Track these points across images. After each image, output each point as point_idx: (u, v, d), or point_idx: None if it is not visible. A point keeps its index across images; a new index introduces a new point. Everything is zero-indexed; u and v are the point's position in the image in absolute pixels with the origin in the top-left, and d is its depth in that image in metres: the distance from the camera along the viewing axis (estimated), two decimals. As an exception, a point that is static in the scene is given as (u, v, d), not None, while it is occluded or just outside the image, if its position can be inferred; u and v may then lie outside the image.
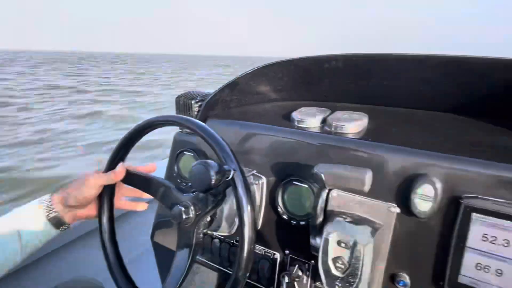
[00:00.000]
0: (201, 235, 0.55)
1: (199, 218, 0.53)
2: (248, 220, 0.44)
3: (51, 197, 0.60)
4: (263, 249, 0.67)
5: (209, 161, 0.45)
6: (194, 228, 0.53)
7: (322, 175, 0.51)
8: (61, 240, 0.99)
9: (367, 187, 0.49)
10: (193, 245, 0.53)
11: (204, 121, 0.79)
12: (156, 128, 0.58)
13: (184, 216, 0.50)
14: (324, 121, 0.68)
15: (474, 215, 0.47)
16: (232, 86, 0.77)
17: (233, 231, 0.63)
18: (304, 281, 0.62)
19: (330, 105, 0.76)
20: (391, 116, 0.72)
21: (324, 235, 0.50)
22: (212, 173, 0.43)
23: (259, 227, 0.67)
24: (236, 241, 0.70)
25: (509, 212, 0.44)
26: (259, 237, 0.68)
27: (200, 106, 0.79)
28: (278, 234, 0.66)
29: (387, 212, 0.53)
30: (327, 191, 0.53)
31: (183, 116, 0.55)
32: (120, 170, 0.60)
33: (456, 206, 0.48)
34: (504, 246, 0.45)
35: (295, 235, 0.62)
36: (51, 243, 0.91)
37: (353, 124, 0.63)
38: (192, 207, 0.52)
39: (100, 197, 0.63)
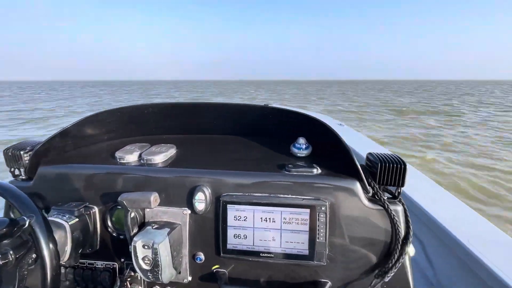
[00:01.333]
0: (26, 272, 0.64)
1: (20, 258, 0.62)
2: (48, 253, 0.58)
3: None
4: (104, 263, 0.82)
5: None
6: (16, 269, 0.62)
7: (124, 202, 0.70)
8: None
9: (153, 205, 0.70)
10: (17, 283, 0.62)
11: (35, 169, 0.85)
12: None
13: (1, 262, 0.59)
14: (140, 155, 0.88)
15: (228, 206, 0.76)
16: (63, 134, 0.86)
17: (65, 258, 0.74)
18: (138, 277, 0.81)
19: (152, 138, 1.00)
20: (192, 142, 1.01)
21: (132, 243, 0.69)
22: None
23: (97, 247, 0.81)
24: (80, 264, 0.82)
25: (242, 200, 0.75)
26: (99, 254, 0.82)
27: (29, 156, 0.84)
28: (114, 248, 0.82)
29: (182, 215, 0.78)
30: (130, 212, 0.72)
31: None
32: None
33: (218, 202, 0.76)
34: (244, 220, 0.76)
35: (126, 246, 0.80)
36: None
37: (161, 156, 0.86)
38: (11, 251, 0.61)
39: None
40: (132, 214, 0.72)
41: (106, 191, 0.81)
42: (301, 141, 0.88)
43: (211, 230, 0.78)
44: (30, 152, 0.85)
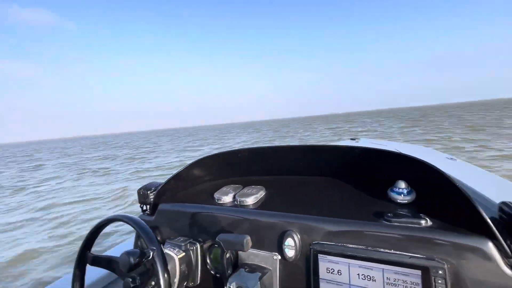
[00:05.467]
0: None
1: (144, 284, 0.75)
2: (163, 283, 0.67)
3: None
4: None
5: (132, 250, 0.69)
6: None
7: (221, 242, 0.76)
8: None
9: (246, 248, 0.73)
10: None
11: (156, 206, 1.05)
12: (108, 224, 0.83)
13: (131, 285, 0.72)
14: (234, 197, 0.96)
15: (320, 256, 0.71)
16: (176, 177, 1.04)
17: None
18: None
19: (244, 180, 1.06)
20: (280, 184, 1.02)
21: (228, 284, 0.72)
22: (131, 259, 0.67)
23: (198, 283, 0.89)
24: None
25: (334, 251, 0.69)
26: None
27: (154, 195, 1.05)
28: (212, 285, 0.88)
29: (272, 260, 0.77)
30: (226, 252, 0.77)
31: (122, 214, 0.80)
32: None
33: (309, 250, 0.73)
34: (338, 274, 0.69)
35: (222, 285, 0.84)
36: None
37: (252, 197, 0.91)
38: (138, 278, 0.74)
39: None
40: (228, 255, 0.78)
41: (206, 229, 0.91)
42: (402, 185, 0.77)
43: (303, 280, 0.74)
44: (154, 192, 1.06)
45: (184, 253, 0.87)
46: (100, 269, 0.87)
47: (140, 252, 0.69)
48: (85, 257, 0.83)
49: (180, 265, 0.84)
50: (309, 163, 0.99)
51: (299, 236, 0.75)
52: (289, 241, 0.74)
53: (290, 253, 0.74)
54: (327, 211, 0.78)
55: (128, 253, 0.68)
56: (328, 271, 0.70)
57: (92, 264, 0.84)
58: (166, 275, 0.68)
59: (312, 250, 0.72)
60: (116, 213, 0.82)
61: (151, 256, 0.70)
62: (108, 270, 0.81)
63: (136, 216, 0.81)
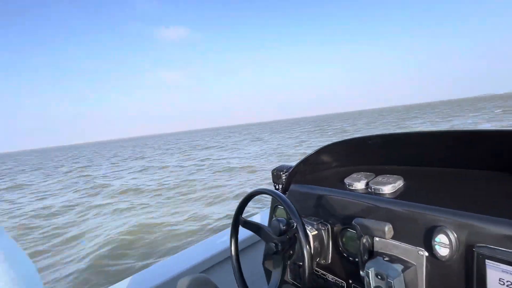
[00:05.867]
0: (287, 262, 0.87)
1: (284, 251, 0.86)
2: (307, 252, 0.74)
3: None
4: (334, 277, 0.92)
5: (281, 218, 0.80)
6: (281, 257, 0.87)
7: (358, 226, 0.75)
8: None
9: (387, 236, 0.69)
10: (282, 269, 0.86)
11: (288, 186, 1.16)
12: (256, 196, 0.99)
13: (274, 250, 0.85)
14: (367, 184, 0.91)
15: (488, 262, 0.59)
16: (305, 161, 1.12)
17: None
18: None
19: (376, 168, 0.99)
20: (421, 175, 0.88)
21: (366, 269, 0.72)
22: (281, 225, 0.77)
23: (329, 262, 0.93)
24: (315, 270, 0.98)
25: None
26: (329, 268, 0.94)
27: (285, 176, 1.17)
28: (343, 267, 0.90)
29: (417, 255, 0.70)
30: (363, 237, 0.76)
31: (270, 189, 0.92)
32: None
33: (471, 253, 0.61)
34: None
35: (354, 268, 0.84)
36: None
37: (389, 186, 0.84)
38: (280, 244, 0.86)
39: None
40: (364, 240, 0.77)
41: (336, 213, 0.93)
42: None
43: (459, 286, 0.64)
44: (286, 173, 1.17)
45: (316, 232, 0.93)
46: (245, 232, 1.06)
47: (286, 221, 0.80)
48: (238, 220, 1.03)
49: (313, 242, 0.91)
50: (462, 152, 0.81)
51: (455, 235, 0.64)
52: (441, 238, 0.65)
53: (442, 251, 0.65)
54: (497, 211, 0.63)
55: (278, 220, 0.81)
56: (501, 283, 0.57)
57: (243, 226, 1.03)
58: (308, 246, 0.76)
59: (476, 253, 0.60)
60: (263, 187, 0.97)
61: (294, 227, 0.79)
62: (255, 233, 0.99)
63: (280, 192, 0.93)
